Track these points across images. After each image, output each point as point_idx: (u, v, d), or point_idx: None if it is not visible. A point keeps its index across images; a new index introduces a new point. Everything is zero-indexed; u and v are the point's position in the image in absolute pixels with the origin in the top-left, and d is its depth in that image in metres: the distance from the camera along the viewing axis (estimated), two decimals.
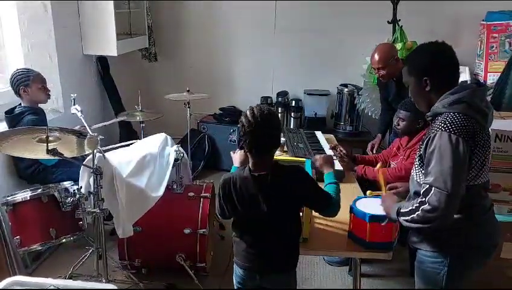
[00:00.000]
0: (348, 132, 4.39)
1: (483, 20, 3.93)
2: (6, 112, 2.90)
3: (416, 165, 1.69)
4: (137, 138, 3.42)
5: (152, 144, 2.82)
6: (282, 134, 3.16)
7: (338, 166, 2.59)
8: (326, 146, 3.02)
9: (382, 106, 3.48)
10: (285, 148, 2.95)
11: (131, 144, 2.91)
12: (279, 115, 4.51)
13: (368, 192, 2.06)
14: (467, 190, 1.54)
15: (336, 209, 1.73)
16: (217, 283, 2.69)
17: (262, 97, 4.55)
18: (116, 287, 1.57)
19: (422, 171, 1.61)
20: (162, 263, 2.74)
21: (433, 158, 1.52)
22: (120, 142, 4.18)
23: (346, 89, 4.33)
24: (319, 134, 3.34)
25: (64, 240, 2.55)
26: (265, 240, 1.71)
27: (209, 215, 2.68)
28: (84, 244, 2.78)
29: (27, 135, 2.07)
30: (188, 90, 3.49)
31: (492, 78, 3.75)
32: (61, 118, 3.45)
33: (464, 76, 3.85)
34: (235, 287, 1.85)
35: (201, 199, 2.70)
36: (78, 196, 2.48)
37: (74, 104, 2.64)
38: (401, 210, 1.62)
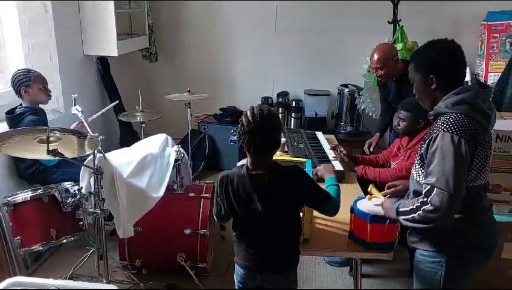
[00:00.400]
0: (348, 132, 4.39)
1: (483, 20, 3.93)
2: (7, 113, 2.90)
3: (416, 165, 1.69)
4: (138, 138, 3.42)
5: (152, 144, 2.82)
6: (282, 134, 3.16)
7: (338, 166, 2.59)
8: (326, 146, 3.02)
9: (382, 105, 3.48)
10: (286, 149, 2.95)
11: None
12: (280, 115, 4.52)
13: (368, 197, 2.05)
14: (467, 191, 1.54)
15: (335, 208, 1.73)
16: (217, 283, 2.69)
17: (262, 97, 4.55)
18: (116, 288, 1.57)
19: (423, 171, 1.61)
20: (162, 264, 2.74)
21: (435, 158, 1.52)
22: (120, 142, 4.21)
23: (346, 89, 4.33)
24: (319, 134, 3.34)
25: (64, 241, 2.55)
26: (264, 240, 1.70)
27: (209, 215, 2.68)
28: (84, 245, 2.78)
29: (28, 136, 2.07)
30: (189, 91, 3.49)
31: (493, 78, 3.75)
32: (61, 118, 3.45)
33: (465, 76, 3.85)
34: (236, 287, 1.85)
35: (202, 200, 2.70)
36: (78, 196, 2.48)
37: (75, 105, 2.64)
38: (400, 209, 1.63)
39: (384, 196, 2.02)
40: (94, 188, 2.34)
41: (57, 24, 3.46)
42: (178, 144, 2.95)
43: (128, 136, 4.24)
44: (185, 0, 4.56)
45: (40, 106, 3.01)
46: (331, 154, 2.84)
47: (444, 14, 4.12)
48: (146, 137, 3.10)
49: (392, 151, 2.80)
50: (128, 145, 2.98)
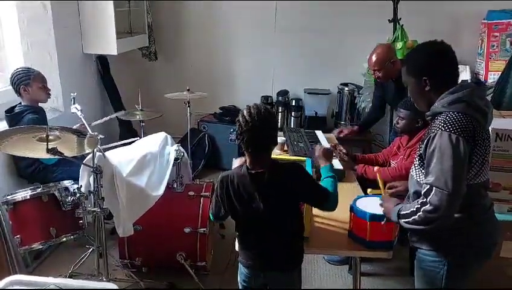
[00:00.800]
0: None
1: (484, 19, 3.93)
2: (6, 111, 2.90)
3: (415, 165, 1.69)
4: (138, 136, 3.42)
5: (152, 143, 2.82)
6: (283, 133, 3.16)
7: (338, 165, 2.59)
8: (326, 145, 3.01)
9: (374, 102, 3.46)
10: (286, 148, 2.95)
11: (132, 142, 2.91)
12: (280, 114, 4.52)
13: (369, 190, 2.06)
14: (467, 189, 1.54)
15: (333, 204, 1.74)
16: (217, 282, 2.70)
17: (262, 96, 4.55)
18: (116, 286, 1.57)
19: (422, 171, 1.61)
20: (162, 262, 2.74)
21: (434, 158, 1.52)
22: (120, 140, 4.20)
23: (346, 88, 4.33)
24: (319, 133, 3.34)
25: (64, 239, 2.56)
26: (267, 239, 1.71)
27: (209, 214, 2.68)
28: (84, 243, 2.78)
29: (27, 134, 2.07)
30: (188, 90, 3.48)
31: (493, 77, 3.75)
32: (61, 117, 3.45)
33: (465, 75, 3.85)
34: (240, 286, 1.85)
35: (202, 198, 2.70)
36: (78, 195, 2.48)
37: (74, 103, 2.64)
38: (402, 212, 1.62)
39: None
40: (94, 186, 2.34)
41: (56, 23, 3.46)
42: (178, 143, 2.95)
43: (128, 134, 4.24)
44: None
45: (40, 104, 3.01)
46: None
47: (444, 13, 4.11)
48: (145, 136, 3.09)
49: (392, 150, 2.80)
50: (128, 144, 2.97)
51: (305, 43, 4.48)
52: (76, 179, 2.58)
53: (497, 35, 3.81)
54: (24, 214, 2.48)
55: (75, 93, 2.66)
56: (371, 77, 3.91)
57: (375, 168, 2.04)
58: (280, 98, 4.52)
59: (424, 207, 1.51)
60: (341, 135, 3.30)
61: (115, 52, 3.84)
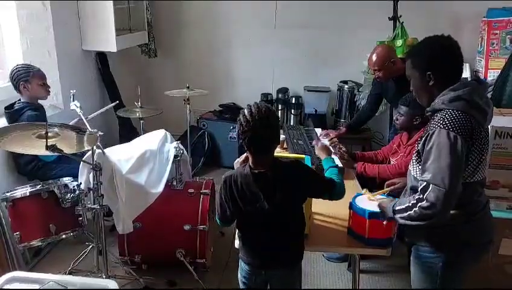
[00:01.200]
0: None
1: (484, 17, 3.92)
2: (5, 108, 2.89)
3: (413, 161, 1.70)
4: (137, 134, 3.42)
5: (152, 140, 2.82)
6: (282, 131, 3.16)
7: (338, 163, 2.59)
8: (325, 143, 3.01)
9: (368, 100, 3.44)
10: (285, 145, 2.95)
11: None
12: (279, 112, 4.51)
13: (364, 191, 2.05)
14: (464, 187, 1.54)
15: (341, 192, 1.75)
16: (217, 279, 2.70)
17: (262, 94, 4.55)
18: (116, 283, 1.57)
19: (419, 167, 1.61)
20: (162, 259, 2.74)
21: (431, 155, 1.52)
22: (120, 138, 4.21)
23: (346, 86, 4.33)
24: (319, 131, 3.34)
25: (64, 236, 2.56)
26: (271, 237, 1.70)
27: (209, 211, 2.68)
28: (84, 240, 2.79)
29: (26, 131, 2.07)
30: (188, 87, 3.48)
31: (492, 75, 3.74)
32: (60, 114, 3.44)
33: (464, 73, 3.84)
34: (240, 283, 1.85)
35: (201, 196, 2.71)
36: (77, 192, 2.48)
37: (73, 100, 2.64)
38: (397, 207, 1.63)
39: (384, 193, 2.03)
40: (93, 184, 2.34)
41: (56, 20, 3.45)
42: (177, 140, 2.95)
43: (127, 132, 4.24)
44: None
45: (39, 101, 3.00)
46: (327, 143, 2.84)
47: (445, 11, 4.11)
48: (145, 133, 3.09)
49: (391, 148, 2.80)
50: (127, 141, 2.98)
51: (305, 41, 4.48)
52: (75, 176, 2.58)
53: (497, 33, 3.80)
54: (23, 211, 2.48)
55: (75, 90, 2.65)
56: (371, 74, 3.91)
57: (364, 190, 2.04)
58: (280, 95, 4.52)
59: (420, 203, 1.52)
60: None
61: (114, 49, 3.84)
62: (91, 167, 2.29)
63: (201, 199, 2.69)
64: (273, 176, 1.62)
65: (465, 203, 1.58)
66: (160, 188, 2.61)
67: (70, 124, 2.87)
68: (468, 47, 3.97)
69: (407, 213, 1.57)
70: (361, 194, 2.02)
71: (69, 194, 2.53)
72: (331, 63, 4.49)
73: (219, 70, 4.72)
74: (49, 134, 1.98)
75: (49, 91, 2.99)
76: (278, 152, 2.80)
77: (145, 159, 2.64)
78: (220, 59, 4.71)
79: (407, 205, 1.57)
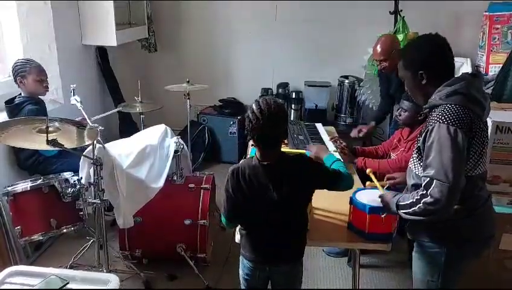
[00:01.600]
0: (348, 124, 4.37)
1: (485, 11, 3.90)
2: (6, 102, 2.89)
3: (414, 158, 1.69)
4: (137, 129, 3.42)
5: (152, 135, 2.82)
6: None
7: (338, 157, 2.59)
8: (326, 138, 3.02)
9: (382, 97, 3.45)
10: (286, 140, 2.94)
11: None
12: None
13: (367, 183, 2.06)
14: (465, 181, 1.54)
15: (350, 182, 1.76)
16: (217, 273, 2.71)
17: (262, 89, 4.54)
18: (118, 277, 1.58)
19: (420, 164, 1.61)
20: (162, 254, 2.75)
21: (433, 150, 1.52)
22: (120, 133, 4.21)
23: (347, 81, 4.32)
24: (319, 126, 3.33)
25: (64, 231, 2.56)
26: (274, 232, 1.70)
27: (209, 206, 2.69)
28: (84, 235, 2.79)
29: (27, 126, 2.07)
30: (188, 81, 3.47)
31: (494, 70, 3.74)
32: (60, 108, 3.44)
33: (466, 68, 3.84)
34: (241, 279, 1.85)
35: (202, 191, 2.71)
36: (78, 186, 2.48)
37: (74, 95, 2.63)
38: (400, 203, 1.63)
39: (383, 186, 2.03)
40: (94, 178, 2.34)
41: (56, 14, 3.44)
42: (177, 136, 2.95)
43: (128, 126, 4.24)
44: None
45: (41, 97, 3.00)
46: (330, 146, 2.84)
47: (446, 5, 4.09)
48: (145, 128, 3.09)
49: (392, 143, 2.80)
50: (127, 136, 2.97)
51: (306, 35, 4.47)
52: (76, 171, 2.58)
53: (499, 28, 3.79)
54: (24, 206, 2.48)
55: (75, 85, 2.65)
56: (372, 69, 3.91)
57: (368, 170, 2.04)
58: (280, 90, 4.51)
59: (424, 199, 1.52)
60: (360, 135, 3.22)
61: (114, 43, 3.83)
62: (92, 161, 2.29)
63: (201, 194, 2.69)
64: (281, 168, 1.63)
65: (466, 197, 1.58)
66: (161, 183, 2.61)
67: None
68: (469, 42, 3.98)
69: (411, 209, 1.57)
70: (362, 189, 2.02)
71: (69, 189, 2.53)
72: (332, 58, 4.48)
73: (219, 65, 4.72)
74: (50, 128, 1.98)
75: (48, 87, 2.96)
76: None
77: (145, 154, 2.64)
78: (220, 54, 4.70)
79: (411, 201, 1.57)
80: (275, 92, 4.55)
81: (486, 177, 1.72)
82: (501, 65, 3.49)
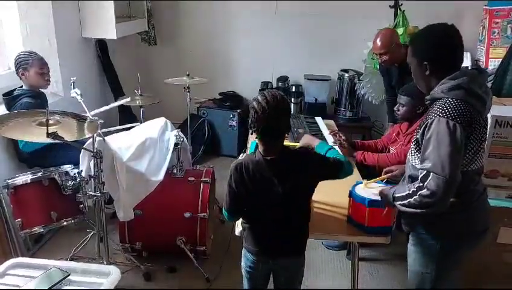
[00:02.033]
0: (348, 118, 4.38)
1: (485, 5, 3.89)
2: (4, 94, 2.88)
3: (412, 149, 1.70)
4: (137, 122, 3.41)
5: (152, 128, 2.82)
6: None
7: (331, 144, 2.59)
8: (326, 132, 3.02)
9: (388, 93, 3.42)
10: (286, 134, 2.95)
11: (131, 127, 2.91)
12: None
13: (364, 181, 2.06)
14: (461, 175, 1.55)
15: (350, 168, 1.77)
16: (217, 266, 2.72)
17: (262, 82, 4.53)
18: (119, 270, 1.59)
19: (418, 155, 1.62)
20: (162, 246, 2.76)
21: (431, 144, 1.53)
22: (120, 125, 4.20)
23: (346, 75, 4.31)
24: (319, 120, 3.34)
25: (65, 223, 2.59)
26: (278, 226, 1.71)
27: (209, 199, 2.70)
28: (85, 228, 2.80)
29: (26, 118, 2.07)
30: (188, 75, 3.47)
31: (493, 64, 3.73)
32: (60, 101, 3.44)
33: (466, 62, 3.83)
34: (244, 272, 1.86)
35: (202, 184, 2.72)
36: (78, 179, 2.49)
37: (74, 88, 2.63)
38: (396, 194, 1.64)
39: (382, 180, 2.04)
40: (94, 171, 2.35)
41: (55, 6, 3.42)
42: (177, 129, 2.95)
43: (128, 120, 4.23)
44: None
45: (42, 89, 3.00)
46: (330, 139, 2.85)
47: None
48: (145, 121, 3.09)
49: (391, 136, 2.80)
50: (127, 129, 2.97)
51: (306, 29, 4.46)
52: (76, 164, 2.59)
53: (498, 22, 3.79)
54: (25, 198, 2.50)
55: (75, 78, 2.65)
56: (372, 63, 3.91)
57: (365, 183, 2.04)
58: (280, 84, 4.50)
59: (420, 191, 1.53)
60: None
61: (114, 36, 3.82)
62: (92, 154, 2.30)
63: (201, 187, 2.70)
64: (284, 162, 1.64)
65: (461, 192, 1.59)
66: (161, 176, 2.62)
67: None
68: (469, 36, 3.95)
69: (407, 201, 1.58)
70: (362, 183, 2.03)
71: (70, 182, 2.54)
72: (332, 51, 4.47)
73: (219, 59, 4.70)
74: (50, 121, 1.98)
75: (49, 81, 2.96)
76: None
77: (145, 147, 2.64)
78: (220, 47, 4.68)
79: (407, 192, 1.59)
80: (274, 85, 4.54)
81: (483, 172, 1.73)
82: (500, 59, 3.49)
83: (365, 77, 4.09)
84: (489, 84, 3.33)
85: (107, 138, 2.45)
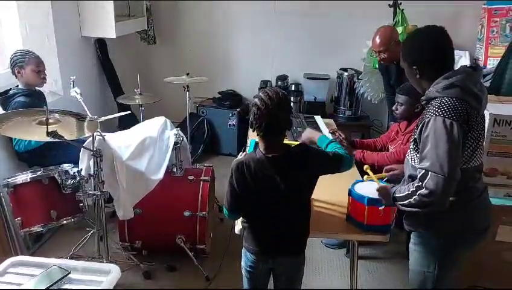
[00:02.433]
0: (347, 117, 4.38)
1: (484, 4, 3.90)
2: (0, 94, 2.88)
3: (411, 149, 1.71)
4: (137, 121, 3.42)
5: (151, 127, 2.82)
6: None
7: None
8: (325, 130, 3.03)
9: (387, 92, 3.43)
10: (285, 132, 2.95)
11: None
12: None
13: (365, 177, 2.07)
14: (461, 173, 1.55)
15: (350, 161, 1.78)
16: (216, 265, 2.73)
17: (261, 81, 4.53)
18: (119, 268, 1.59)
19: (417, 155, 1.62)
20: (162, 245, 2.77)
21: (429, 143, 1.54)
22: (119, 125, 4.20)
23: (346, 73, 4.31)
24: (318, 118, 3.34)
25: (65, 222, 2.59)
26: (279, 224, 1.72)
27: (208, 198, 2.70)
28: (84, 226, 2.81)
29: (26, 117, 2.07)
30: (187, 74, 3.47)
31: (492, 63, 3.74)
32: (60, 100, 3.43)
33: (464, 60, 3.84)
34: (244, 271, 1.86)
35: (201, 182, 2.72)
36: (78, 178, 2.50)
37: (73, 87, 2.63)
38: (396, 195, 1.64)
39: (382, 178, 2.04)
40: (94, 170, 2.35)
41: (55, 5, 3.42)
42: (177, 128, 2.96)
43: (127, 118, 4.23)
44: None
45: (39, 88, 2.99)
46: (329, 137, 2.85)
47: None
48: (144, 120, 3.09)
49: (390, 135, 2.81)
50: (127, 128, 2.98)
51: (305, 28, 4.46)
52: (76, 163, 2.59)
53: (497, 21, 3.79)
54: (25, 197, 2.50)
55: (74, 77, 2.65)
56: (371, 62, 3.91)
57: (365, 166, 2.05)
58: (279, 82, 4.50)
59: (419, 191, 1.53)
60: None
61: (113, 35, 3.82)
62: (91, 153, 2.30)
63: (201, 186, 2.71)
64: (285, 159, 1.64)
65: (460, 189, 1.59)
66: (161, 174, 2.63)
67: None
68: (468, 34, 3.97)
69: (407, 201, 1.59)
70: (361, 181, 2.03)
71: (69, 180, 2.54)
72: (331, 50, 4.47)
73: (218, 58, 4.70)
74: (50, 120, 1.98)
75: (45, 79, 2.96)
76: None
77: (145, 145, 2.65)
78: (220, 46, 4.68)
79: (406, 193, 1.59)
80: (274, 84, 4.55)
81: (483, 169, 1.73)
82: (499, 58, 3.49)
83: (364, 76, 4.10)
84: (488, 83, 3.33)
85: (107, 137, 2.45)
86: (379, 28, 3.10)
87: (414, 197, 1.55)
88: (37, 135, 2.05)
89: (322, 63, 4.49)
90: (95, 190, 2.39)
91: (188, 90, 3.47)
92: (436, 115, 1.53)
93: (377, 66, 3.55)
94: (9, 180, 2.49)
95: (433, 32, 1.67)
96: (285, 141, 1.74)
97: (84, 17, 3.79)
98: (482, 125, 1.65)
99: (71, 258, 2.62)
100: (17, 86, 2.90)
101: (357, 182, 2.03)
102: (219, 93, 4.57)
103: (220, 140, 4.55)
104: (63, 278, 1.52)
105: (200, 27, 4.64)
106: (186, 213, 2.64)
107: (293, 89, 4.49)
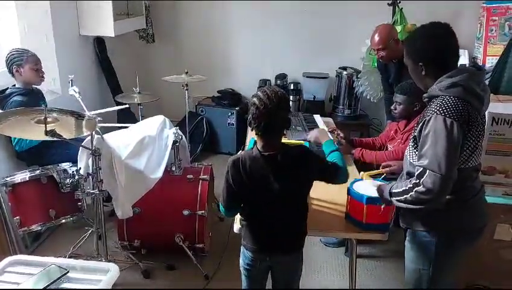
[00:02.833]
0: (346, 116, 4.38)
1: (483, 3, 3.90)
2: None
3: (410, 146, 1.71)
4: (136, 120, 3.41)
5: (150, 126, 2.82)
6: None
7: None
8: (324, 129, 3.02)
9: (385, 91, 3.43)
10: (284, 131, 2.95)
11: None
12: None
13: (363, 174, 2.07)
14: (459, 173, 1.56)
15: (345, 176, 1.78)
16: (215, 263, 2.73)
17: (260, 80, 4.53)
18: (117, 267, 1.59)
19: (416, 152, 1.63)
20: (161, 244, 2.77)
21: (428, 141, 1.54)
22: (118, 123, 4.20)
23: (345, 72, 4.32)
24: (317, 117, 3.34)
25: (63, 221, 2.58)
26: (277, 222, 1.72)
27: (207, 197, 2.70)
28: (83, 225, 2.81)
29: (25, 116, 2.06)
30: (186, 72, 3.47)
31: (491, 62, 3.74)
32: (58, 99, 3.43)
33: (463, 59, 3.84)
34: (242, 270, 1.86)
35: (200, 181, 2.72)
36: (77, 177, 2.49)
37: (72, 86, 2.63)
38: (393, 190, 1.65)
39: (380, 174, 2.04)
40: (92, 169, 2.35)
41: (53, 4, 3.42)
42: (176, 126, 2.95)
43: (126, 117, 4.23)
44: None
45: (38, 87, 2.99)
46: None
47: None
48: (143, 119, 3.09)
49: (389, 134, 2.81)
50: (125, 126, 2.97)
51: (304, 27, 4.45)
52: (74, 161, 2.59)
53: (496, 19, 3.79)
54: (23, 196, 2.49)
55: (73, 76, 2.64)
56: (370, 60, 3.91)
57: (364, 174, 2.05)
58: (278, 81, 4.50)
59: (416, 188, 1.54)
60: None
61: (112, 34, 3.81)
62: (90, 152, 2.30)
63: (200, 185, 2.71)
64: (282, 159, 1.64)
65: (457, 189, 1.59)
66: (159, 173, 2.63)
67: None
68: (467, 33, 3.97)
69: (403, 197, 1.60)
70: (359, 180, 2.04)
71: (68, 179, 2.54)
72: (330, 49, 4.47)
73: (217, 56, 4.70)
74: (48, 119, 1.98)
75: (43, 77, 2.96)
76: None
77: (144, 144, 2.64)
78: (219, 45, 4.68)
79: (403, 188, 1.60)
80: (273, 83, 4.54)
81: (481, 168, 1.73)
82: (498, 57, 3.49)
83: (363, 75, 4.10)
84: (486, 82, 3.33)
85: (106, 136, 2.45)
86: (378, 25, 3.10)
87: (411, 193, 1.56)
88: (35, 134, 2.05)
89: (321, 62, 4.49)
90: (93, 189, 2.39)
91: (187, 89, 3.47)
92: (437, 114, 1.53)
93: (376, 64, 3.55)
94: (7, 179, 2.49)
95: (440, 28, 1.66)
96: (284, 140, 1.74)
97: (82, 15, 3.78)
98: (483, 125, 1.65)
99: (70, 257, 2.62)
100: (14, 85, 2.90)
101: (356, 181, 2.03)
102: (218, 92, 4.57)
103: (219, 139, 4.54)
104: (61, 277, 1.51)
105: (199, 26, 4.64)
106: (185, 212, 2.64)
107: (292, 87, 4.49)
